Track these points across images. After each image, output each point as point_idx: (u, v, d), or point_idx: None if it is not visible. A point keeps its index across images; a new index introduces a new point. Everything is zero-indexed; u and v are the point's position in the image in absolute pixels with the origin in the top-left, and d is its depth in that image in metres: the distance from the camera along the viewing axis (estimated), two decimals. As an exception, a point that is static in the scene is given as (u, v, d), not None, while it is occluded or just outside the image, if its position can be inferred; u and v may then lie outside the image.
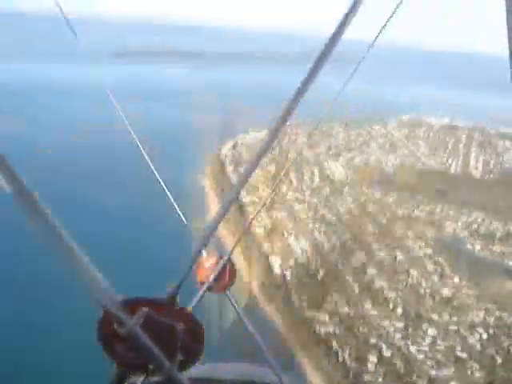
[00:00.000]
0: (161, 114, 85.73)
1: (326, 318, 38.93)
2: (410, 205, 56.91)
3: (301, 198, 55.49)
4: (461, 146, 75.89)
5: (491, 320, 39.09)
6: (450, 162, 70.28)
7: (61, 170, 55.78)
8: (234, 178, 55.20)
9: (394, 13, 2.99)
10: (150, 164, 3.63)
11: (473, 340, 37.33)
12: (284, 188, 55.46)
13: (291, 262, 45.13)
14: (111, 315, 1.30)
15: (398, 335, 37.82)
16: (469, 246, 49.56)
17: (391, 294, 41.83)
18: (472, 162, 70.54)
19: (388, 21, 3.05)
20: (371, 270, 44.79)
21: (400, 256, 47.02)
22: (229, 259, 3.03)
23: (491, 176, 66.64)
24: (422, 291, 42.23)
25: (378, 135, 77.51)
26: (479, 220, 54.15)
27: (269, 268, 44.14)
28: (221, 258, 3.05)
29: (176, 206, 3.66)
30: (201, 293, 2.71)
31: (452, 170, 68.24)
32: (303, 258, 45.81)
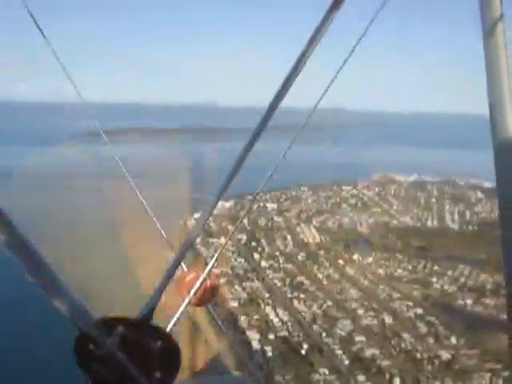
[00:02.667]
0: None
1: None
2: (391, 264, 53.64)
3: (275, 265, 51.57)
4: (433, 200, 74.21)
5: (499, 382, 34.93)
6: (425, 217, 68.11)
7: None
8: (202, 249, 51.17)
9: (337, 73, 2.71)
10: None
11: (483, 408, 32.98)
12: (256, 256, 51.66)
13: (271, 336, 40.49)
14: (87, 335, 1.30)
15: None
16: (460, 302, 46.04)
17: (385, 363, 37.46)
18: (447, 216, 68.53)
19: (332, 81, 2.71)
20: (360, 338, 40.48)
21: (388, 320, 43.05)
22: (209, 273, 2.82)
23: (469, 228, 64.47)
24: (418, 356, 37.99)
25: (349, 196, 75.37)
26: (466, 273, 51.04)
27: (247, 344, 39.27)
28: (201, 271, 2.87)
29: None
30: (181, 308, 2.55)
31: (428, 224, 65.89)
32: (284, 330, 41.26)
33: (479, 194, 74.40)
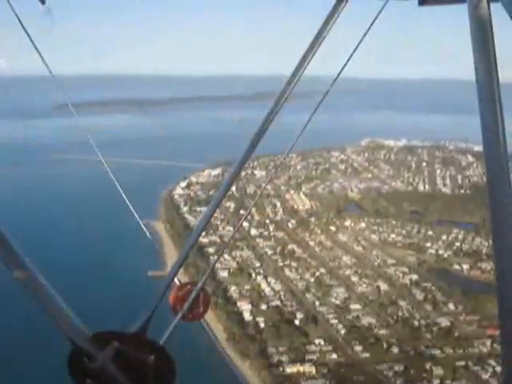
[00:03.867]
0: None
1: (313, 370, 32.49)
2: (384, 229, 52.09)
3: (265, 233, 49.65)
4: (424, 164, 72.60)
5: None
6: (416, 181, 66.52)
7: None
8: (190, 218, 48.97)
9: (355, 50, 2.88)
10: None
11: (485, 375, 31.78)
12: (245, 224, 49.59)
13: (263, 307, 38.82)
14: (81, 349, 1.29)
15: (400, 381, 31.92)
16: (456, 267, 44.75)
17: (382, 332, 36.09)
18: (439, 180, 67.04)
19: (350, 58, 2.89)
20: (355, 306, 39.04)
21: (384, 287, 41.62)
22: (202, 288, 2.91)
23: (461, 191, 63.12)
24: (416, 324, 36.69)
25: (338, 161, 73.42)
26: (460, 237, 49.72)
27: (238, 315, 37.48)
28: (194, 286, 2.91)
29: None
30: (175, 322, 2.65)
31: (420, 189, 64.35)
32: (276, 300, 39.61)
33: (470, 158, 72.95)
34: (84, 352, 1.30)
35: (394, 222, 53.80)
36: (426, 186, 65.15)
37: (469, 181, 65.74)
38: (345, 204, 58.60)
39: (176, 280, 2.94)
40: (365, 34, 3.05)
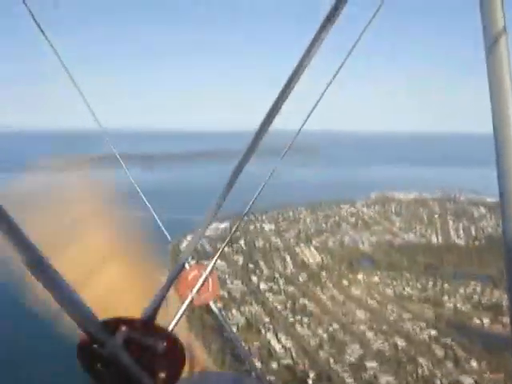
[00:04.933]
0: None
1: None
2: (399, 283, 50.30)
3: (275, 287, 47.99)
4: (436, 216, 71.25)
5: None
6: (429, 233, 65.04)
7: None
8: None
9: (321, 96, 3.05)
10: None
11: None
12: (254, 278, 48.11)
13: (274, 365, 36.75)
14: (91, 336, 1.29)
15: None
16: (476, 321, 42.63)
17: (402, 391, 33.83)
18: (452, 232, 65.51)
19: (316, 105, 3.09)
20: (371, 364, 36.88)
21: (401, 343, 39.52)
22: (212, 270, 2.92)
23: (476, 243, 61.44)
24: (437, 383, 34.42)
25: (348, 214, 72.27)
26: (478, 290, 47.76)
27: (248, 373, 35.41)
28: (204, 269, 2.98)
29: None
30: (184, 307, 2.59)
31: (433, 241, 62.79)
32: (287, 358, 37.55)
33: (482, 210, 71.61)
34: (94, 338, 1.28)
35: (408, 276, 52.05)
36: (440, 238, 63.58)
37: (483, 232, 64.20)
38: (357, 257, 57.05)
39: (186, 264, 2.91)
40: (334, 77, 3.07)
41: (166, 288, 1.70)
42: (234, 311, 41.33)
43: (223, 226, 64.38)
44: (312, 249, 58.77)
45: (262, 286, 47.95)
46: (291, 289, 48.44)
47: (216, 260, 3.07)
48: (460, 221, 69.06)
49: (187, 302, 2.68)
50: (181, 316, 2.39)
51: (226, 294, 43.96)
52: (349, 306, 45.48)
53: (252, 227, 61.84)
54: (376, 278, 50.93)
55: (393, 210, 75.21)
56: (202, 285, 2.99)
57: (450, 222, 68.89)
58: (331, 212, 73.78)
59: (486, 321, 42.27)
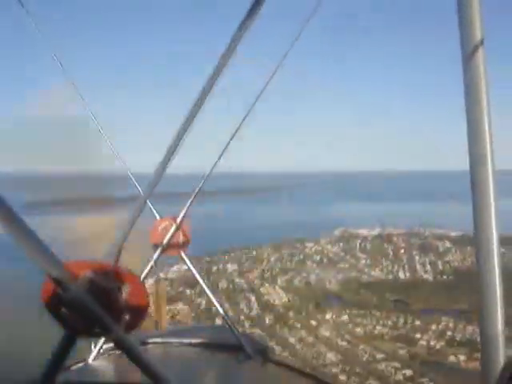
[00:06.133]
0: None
1: None
2: (369, 321, 48.27)
3: (240, 331, 45.10)
4: (401, 251, 70.29)
5: None
6: (395, 269, 63.77)
7: None
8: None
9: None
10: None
11: None
12: (218, 322, 45.16)
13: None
14: (55, 280, 1.29)
15: None
16: (452, 359, 40.80)
17: None
18: (419, 267, 64.47)
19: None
20: (346, 410, 34.35)
21: (376, 385, 37.17)
22: (182, 221, 3.17)
23: (444, 277, 60.47)
24: (418, 428, 32.09)
25: (313, 252, 70.52)
26: (451, 326, 46.18)
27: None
28: (174, 219, 3.18)
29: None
30: (155, 256, 2.90)
31: (401, 277, 61.47)
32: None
33: (447, 244, 71.19)
34: (57, 282, 1.24)
35: (378, 314, 50.12)
36: (407, 274, 62.37)
37: (449, 266, 63.43)
38: (324, 296, 54.98)
39: (156, 215, 3.35)
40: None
41: (128, 230, 1.65)
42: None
43: (185, 268, 61.33)
44: (277, 288, 56.37)
45: (227, 329, 45.06)
46: (258, 331, 45.70)
47: (187, 210, 3.31)
48: (426, 255, 68.21)
49: (158, 251, 3.07)
50: (152, 265, 2.70)
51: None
52: (319, 348, 42.98)
53: (215, 268, 59.36)
54: (345, 317, 48.76)
55: (357, 247, 73.95)
56: (173, 235, 3.29)
57: (416, 257, 67.91)
58: (296, 250, 71.89)
59: (462, 358, 40.46)
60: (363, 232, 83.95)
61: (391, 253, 70.95)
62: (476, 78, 1.70)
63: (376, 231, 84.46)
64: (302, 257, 69.14)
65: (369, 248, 73.66)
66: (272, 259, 67.32)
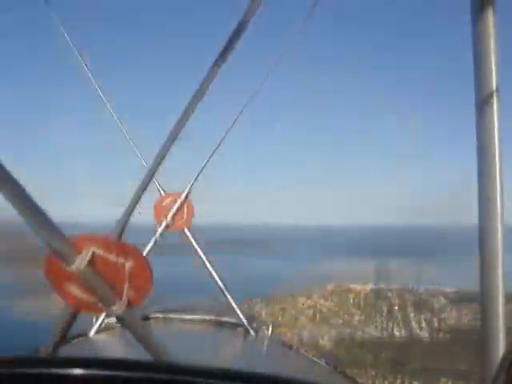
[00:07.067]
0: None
1: None
2: (365, 382, 46.11)
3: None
4: (396, 308, 68.74)
5: None
6: (390, 326, 62.07)
7: None
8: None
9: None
10: None
11: None
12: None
13: None
14: (58, 253, 1.32)
15: None
16: (452, 422, 38.71)
17: None
18: (414, 324, 62.82)
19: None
20: None
21: None
22: (186, 197, 3.42)
23: (440, 335, 58.81)
24: None
25: (305, 307, 68.76)
26: (450, 387, 44.23)
27: None
28: (178, 196, 3.41)
29: None
30: (158, 232, 3.20)
31: (396, 334, 59.67)
32: None
33: (443, 300, 69.83)
34: (61, 256, 1.29)
35: (373, 373, 47.90)
36: (402, 331, 60.62)
37: (445, 324, 61.89)
38: (317, 354, 52.90)
39: (161, 190, 3.52)
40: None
41: (132, 207, 1.71)
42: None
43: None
44: (269, 345, 54.37)
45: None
46: None
47: (191, 187, 3.50)
48: (421, 313, 66.76)
49: (162, 227, 3.22)
50: (156, 240, 2.93)
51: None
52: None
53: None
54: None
55: (351, 302, 72.48)
56: (177, 212, 3.43)
57: (411, 314, 66.42)
58: (287, 305, 70.20)
59: (463, 422, 38.43)
60: (356, 287, 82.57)
61: (385, 309, 69.51)
62: (489, 130, 1.68)
63: (369, 286, 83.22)
64: (294, 312, 67.39)
65: (362, 304, 72.14)
66: (263, 314, 65.46)
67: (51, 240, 1.24)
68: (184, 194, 3.14)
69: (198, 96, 1.74)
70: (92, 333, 4.23)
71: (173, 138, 1.74)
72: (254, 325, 4.72)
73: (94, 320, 4.25)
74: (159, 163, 1.78)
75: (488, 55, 1.75)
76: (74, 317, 1.53)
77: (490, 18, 1.75)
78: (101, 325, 4.26)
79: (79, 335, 4.19)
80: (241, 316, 4.75)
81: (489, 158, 1.70)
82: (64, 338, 1.55)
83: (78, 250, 1.35)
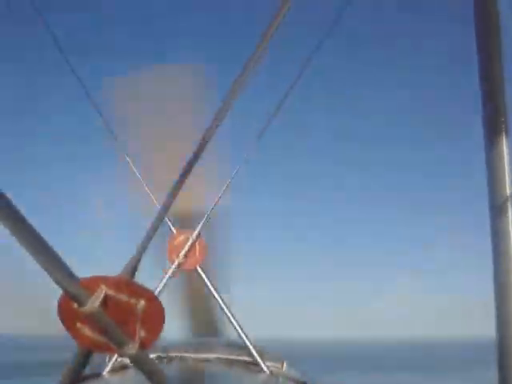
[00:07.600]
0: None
1: None
2: None
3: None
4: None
5: None
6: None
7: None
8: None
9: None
10: None
11: None
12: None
13: None
14: (70, 295, 1.21)
15: None
16: None
17: None
18: None
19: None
20: None
21: None
22: (199, 235, 3.11)
23: None
24: None
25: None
26: None
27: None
28: (191, 233, 3.12)
29: None
30: (170, 270, 2.85)
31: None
32: None
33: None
34: (73, 297, 1.19)
35: None
36: None
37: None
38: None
39: (173, 229, 3.09)
40: None
41: (145, 245, 1.65)
42: None
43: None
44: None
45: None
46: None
47: (203, 225, 3.07)
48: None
49: (174, 265, 2.79)
50: (167, 279, 2.56)
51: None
52: None
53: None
54: None
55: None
56: (189, 250, 2.99)
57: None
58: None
59: None
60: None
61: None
62: (504, 238, 1.69)
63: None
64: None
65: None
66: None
67: (63, 281, 1.17)
68: (196, 232, 2.90)
69: (209, 135, 1.64)
70: (105, 372, 4.16)
71: (185, 175, 1.67)
72: (268, 363, 3.86)
73: (108, 359, 4.17)
74: (171, 201, 1.75)
75: (501, 161, 1.77)
76: (87, 358, 1.43)
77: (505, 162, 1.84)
78: (114, 364, 4.17)
79: (92, 375, 4.16)
80: (254, 354, 4.01)
81: (505, 270, 1.69)
82: (77, 379, 1.44)
83: (91, 291, 1.27)
